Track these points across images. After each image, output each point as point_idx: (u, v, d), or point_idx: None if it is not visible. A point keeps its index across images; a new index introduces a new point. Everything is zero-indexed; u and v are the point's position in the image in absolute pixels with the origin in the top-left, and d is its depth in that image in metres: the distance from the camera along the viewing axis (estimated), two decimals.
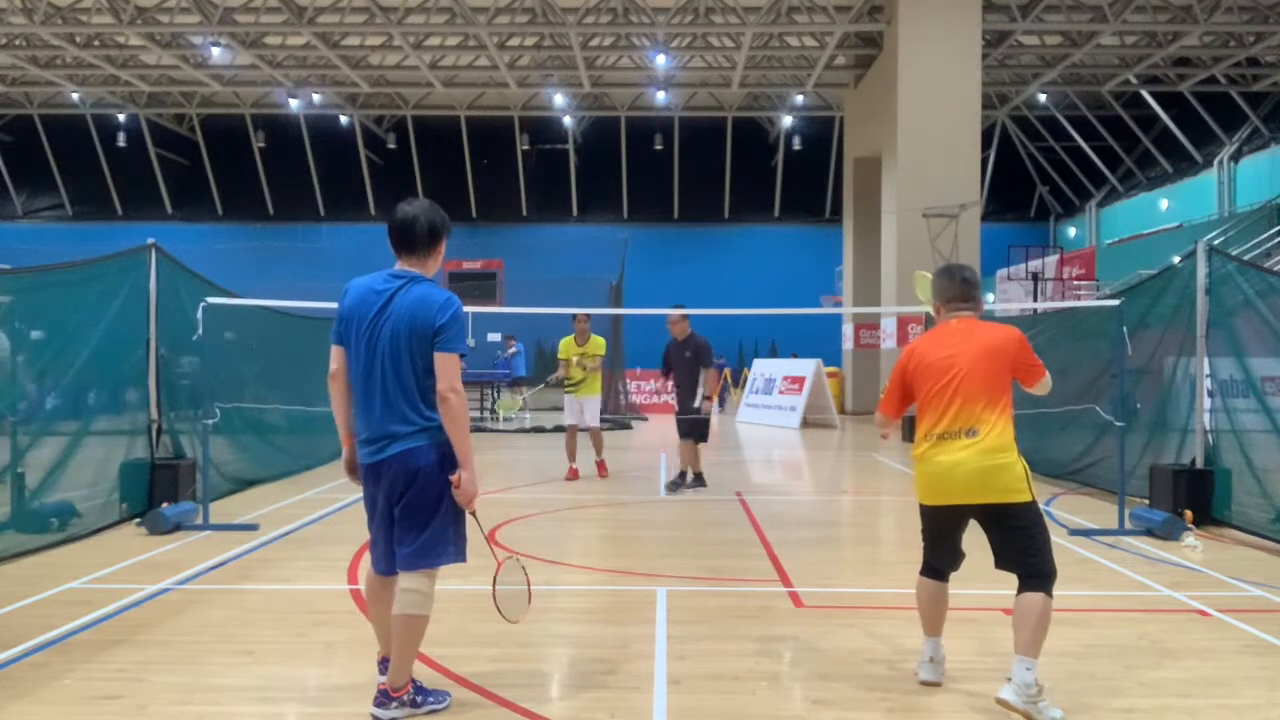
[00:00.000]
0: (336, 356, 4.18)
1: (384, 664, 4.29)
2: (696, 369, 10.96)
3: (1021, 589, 4.23)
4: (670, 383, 11.53)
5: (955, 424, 4.29)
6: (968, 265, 4.89)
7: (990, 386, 4.31)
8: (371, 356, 4.05)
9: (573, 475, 11.95)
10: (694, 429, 10.90)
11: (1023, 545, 4.26)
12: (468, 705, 4.29)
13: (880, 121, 22.90)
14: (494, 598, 4.26)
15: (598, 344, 12.05)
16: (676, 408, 11.26)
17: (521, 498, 10.66)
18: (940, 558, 4.55)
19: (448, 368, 3.99)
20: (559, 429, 19.76)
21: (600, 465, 12.35)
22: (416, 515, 4.05)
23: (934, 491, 4.38)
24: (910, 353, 4.58)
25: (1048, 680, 4.47)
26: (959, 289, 4.57)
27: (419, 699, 4.16)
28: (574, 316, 12.09)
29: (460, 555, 4.13)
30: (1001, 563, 4.36)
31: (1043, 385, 4.55)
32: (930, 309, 4.79)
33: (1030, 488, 4.29)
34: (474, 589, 6.28)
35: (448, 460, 4.04)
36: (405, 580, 4.07)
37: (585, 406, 12.12)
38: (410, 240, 4.16)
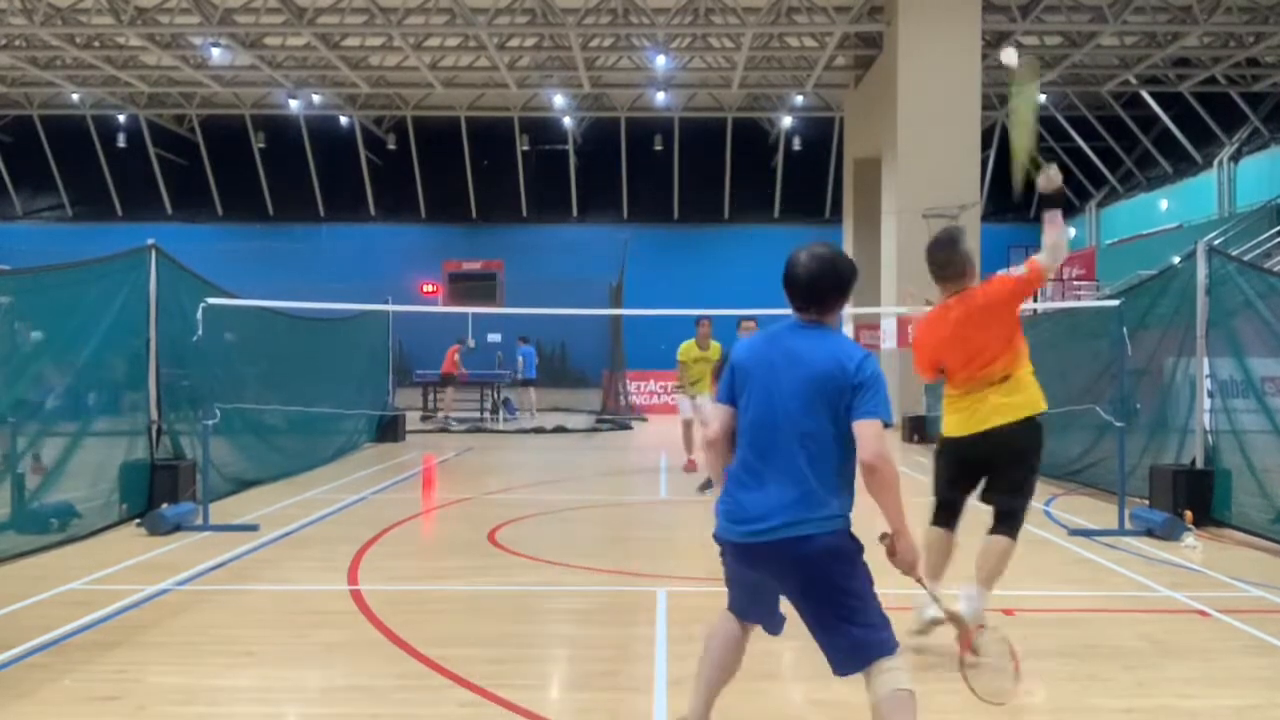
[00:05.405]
0: (723, 417, 3.55)
1: None
2: None
3: None
4: None
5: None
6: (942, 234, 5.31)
7: None
8: (769, 415, 3.41)
9: (691, 466, 12.58)
10: None
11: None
12: (468, 705, 4.29)
13: (880, 122, 22.90)
14: (966, 679, 3.81)
15: (717, 350, 12.71)
16: None
17: (522, 498, 10.67)
18: None
19: (871, 433, 3.38)
20: (559, 429, 19.94)
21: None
22: (837, 618, 3.36)
23: None
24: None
25: (1046, 681, 4.59)
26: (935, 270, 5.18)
27: None
28: (696, 321, 12.88)
29: (893, 641, 3.38)
30: None
31: None
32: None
33: None
34: (475, 589, 6.29)
35: (849, 545, 3.44)
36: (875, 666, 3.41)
37: (702, 404, 12.85)
38: (815, 294, 3.49)
